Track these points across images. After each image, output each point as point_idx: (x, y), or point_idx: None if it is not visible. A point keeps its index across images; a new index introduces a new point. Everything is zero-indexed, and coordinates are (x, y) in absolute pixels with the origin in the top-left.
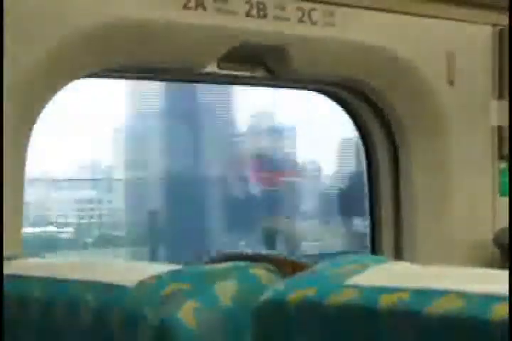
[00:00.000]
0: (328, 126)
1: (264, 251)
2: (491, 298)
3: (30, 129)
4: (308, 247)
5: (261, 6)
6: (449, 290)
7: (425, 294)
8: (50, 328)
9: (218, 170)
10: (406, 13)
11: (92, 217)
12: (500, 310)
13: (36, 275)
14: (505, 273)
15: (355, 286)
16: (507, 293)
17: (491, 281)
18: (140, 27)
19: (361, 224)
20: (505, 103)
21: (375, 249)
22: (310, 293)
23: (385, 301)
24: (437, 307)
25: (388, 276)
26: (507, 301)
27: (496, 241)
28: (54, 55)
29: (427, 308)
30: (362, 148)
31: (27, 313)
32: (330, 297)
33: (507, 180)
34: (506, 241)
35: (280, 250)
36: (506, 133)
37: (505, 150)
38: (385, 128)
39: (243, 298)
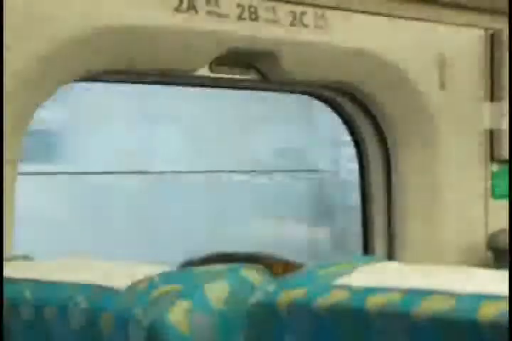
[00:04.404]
0: None
1: (255, 252)
2: (480, 298)
3: (23, 132)
4: None
5: (252, 10)
6: (438, 290)
7: (415, 294)
8: (41, 330)
9: None
10: (397, 17)
11: None
12: (490, 310)
13: (26, 278)
14: (495, 272)
15: (344, 286)
16: (496, 293)
17: (480, 281)
18: (131, 30)
19: None
20: (497, 106)
21: (367, 252)
22: (300, 293)
23: (374, 301)
24: (427, 307)
25: (377, 276)
26: (496, 300)
27: (490, 244)
28: (45, 58)
29: (416, 308)
30: None
31: (17, 316)
32: (319, 297)
33: (499, 182)
34: (500, 244)
35: None
36: (498, 136)
37: (498, 153)
38: (377, 131)
39: (234, 299)
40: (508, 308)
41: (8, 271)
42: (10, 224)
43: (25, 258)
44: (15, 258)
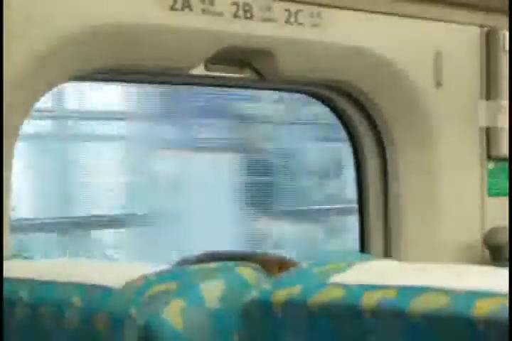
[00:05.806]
0: None
1: (251, 251)
2: (475, 294)
3: (17, 131)
4: None
5: (247, 8)
6: (433, 287)
7: (410, 291)
8: (38, 330)
9: None
10: (394, 14)
11: None
12: (485, 306)
13: (23, 278)
14: (490, 269)
15: (339, 284)
16: (491, 289)
17: (475, 278)
18: (127, 29)
19: None
20: (493, 104)
21: (364, 250)
22: (295, 291)
23: (369, 299)
24: (422, 305)
25: (373, 274)
26: (491, 297)
27: (486, 241)
28: (41, 57)
29: (411, 305)
30: None
31: (14, 315)
32: (315, 295)
33: (495, 180)
34: (496, 241)
35: None
36: (494, 134)
37: (494, 151)
38: (374, 130)
39: (230, 297)
40: (508, 305)
41: (5, 271)
42: (6, 223)
43: (24, 257)
44: (13, 257)
